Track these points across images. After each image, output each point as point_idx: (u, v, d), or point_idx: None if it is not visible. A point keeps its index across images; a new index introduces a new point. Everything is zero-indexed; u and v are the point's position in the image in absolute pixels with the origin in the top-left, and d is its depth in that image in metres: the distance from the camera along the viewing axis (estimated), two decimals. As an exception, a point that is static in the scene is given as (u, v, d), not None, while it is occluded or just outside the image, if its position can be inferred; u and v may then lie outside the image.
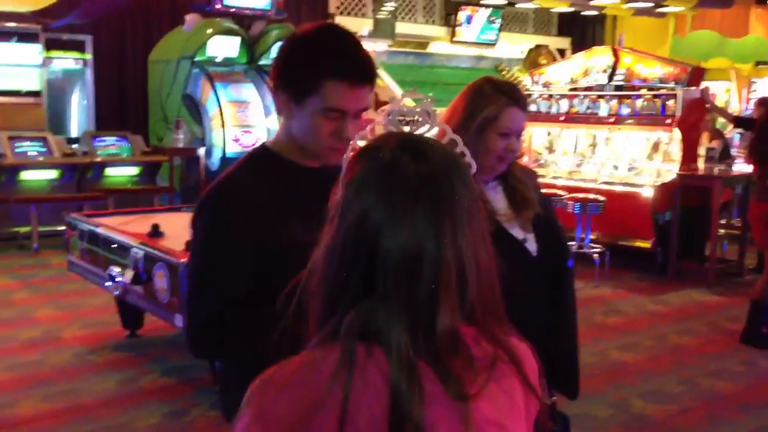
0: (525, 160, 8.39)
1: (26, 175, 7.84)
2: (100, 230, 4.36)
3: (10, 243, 7.65)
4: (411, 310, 0.86)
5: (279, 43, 8.98)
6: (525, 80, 10.47)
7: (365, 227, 0.88)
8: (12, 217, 7.64)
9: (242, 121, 8.52)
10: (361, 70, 1.55)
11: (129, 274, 3.85)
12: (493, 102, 1.93)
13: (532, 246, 2.01)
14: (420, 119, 1.04)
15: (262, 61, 8.84)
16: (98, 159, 8.08)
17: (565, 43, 14.13)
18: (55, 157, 7.99)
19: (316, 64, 1.52)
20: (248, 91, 8.60)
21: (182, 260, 3.40)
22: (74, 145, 8.41)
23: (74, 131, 9.38)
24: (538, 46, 14.01)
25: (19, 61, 8.17)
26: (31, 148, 7.91)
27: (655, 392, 4.28)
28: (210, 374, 3.98)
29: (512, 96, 1.95)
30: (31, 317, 5.41)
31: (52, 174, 8.01)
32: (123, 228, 4.30)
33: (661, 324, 5.60)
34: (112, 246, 4.16)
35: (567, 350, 2.12)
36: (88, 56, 9.21)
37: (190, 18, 8.34)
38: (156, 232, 4.07)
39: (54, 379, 4.23)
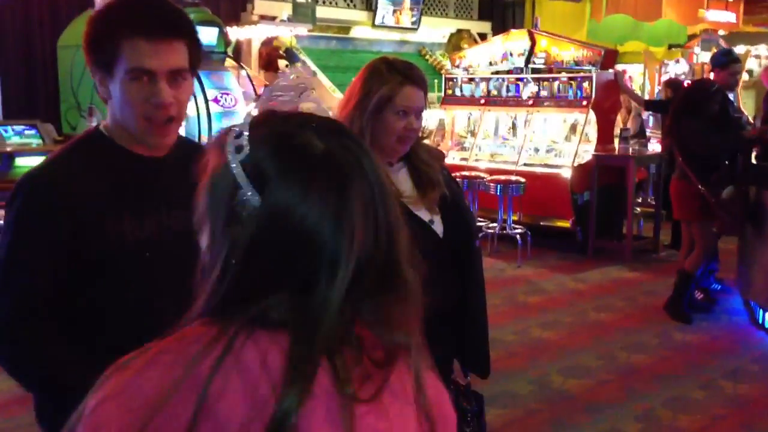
0: (449, 143, 8.45)
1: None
2: None
3: None
4: (315, 298, 0.79)
5: (196, 27, 8.71)
6: (446, 64, 10.51)
7: (283, 216, 0.80)
8: None
9: (159, 107, 8.27)
10: (160, 23, 1.44)
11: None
12: (388, 81, 1.91)
13: (438, 227, 2.00)
14: (294, 95, 0.96)
15: (178, 46, 8.58)
16: (8, 149, 7.70)
17: (485, 27, 14.24)
18: (-42, 146, 7.57)
19: (113, 26, 1.43)
20: (164, 76, 8.35)
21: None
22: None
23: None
24: (459, 31, 14.09)
25: None
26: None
27: (574, 367, 4.37)
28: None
29: (408, 75, 1.94)
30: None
31: (-45, 166, 7.59)
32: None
33: (581, 301, 5.72)
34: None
35: (476, 330, 2.12)
36: (-9, 42, 8.75)
37: (100, 1, 8.02)
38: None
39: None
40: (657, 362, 4.51)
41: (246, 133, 0.83)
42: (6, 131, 8.05)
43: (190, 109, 8.53)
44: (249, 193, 0.80)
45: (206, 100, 7.97)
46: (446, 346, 2.06)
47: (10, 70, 9.02)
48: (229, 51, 9.23)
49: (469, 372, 2.17)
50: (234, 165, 0.82)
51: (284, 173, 0.80)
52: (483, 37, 13.54)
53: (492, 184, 6.81)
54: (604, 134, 7.44)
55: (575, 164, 7.22)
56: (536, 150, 7.75)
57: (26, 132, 8.09)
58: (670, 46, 13.77)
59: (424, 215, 1.98)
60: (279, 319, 0.79)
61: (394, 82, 1.91)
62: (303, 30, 10.44)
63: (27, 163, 7.93)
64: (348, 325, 0.81)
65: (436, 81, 9.68)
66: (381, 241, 0.84)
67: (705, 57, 13.50)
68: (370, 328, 0.83)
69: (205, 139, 8.15)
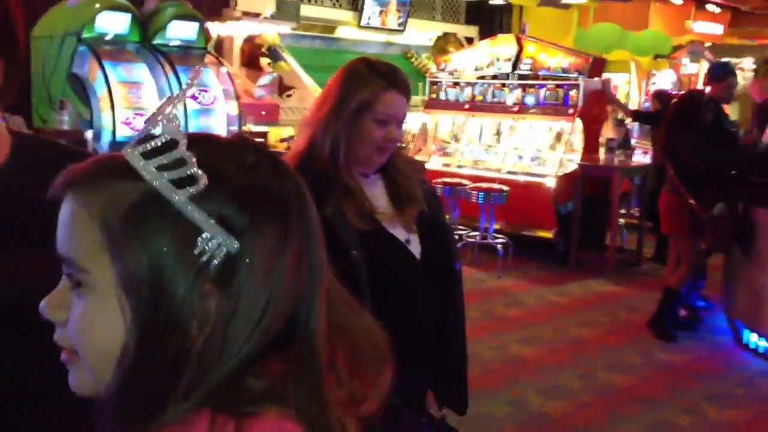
0: (432, 148, 8.28)
1: None
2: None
3: None
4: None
5: (175, 22, 8.40)
6: (432, 67, 10.34)
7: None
8: None
9: (134, 103, 8.00)
10: None
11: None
12: (369, 84, 1.72)
13: (415, 247, 1.81)
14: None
15: (156, 41, 8.34)
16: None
17: (473, 31, 14.11)
18: None
19: None
20: (140, 71, 8.08)
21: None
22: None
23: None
24: (446, 34, 13.94)
25: None
26: None
27: (553, 387, 4.20)
28: None
29: (391, 79, 1.75)
30: None
31: None
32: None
33: (561, 315, 5.56)
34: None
35: (453, 361, 1.94)
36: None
37: (75, -9, 7.77)
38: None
39: None
40: (640, 384, 4.35)
41: (192, 163, 0.63)
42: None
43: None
44: (219, 242, 0.62)
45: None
46: (420, 375, 1.87)
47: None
48: (210, 47, 9.02)
49: (443, 405, 1.99)
50: (184, 203, 0.62)
51: (258, 223, 0.64)
52: (470, 41, 13.40)
53: (474, 192, 6.64)
54: (590, 144, 7.30)
55: (559, 173, 7.07)
56: (520, 158, 7.59)
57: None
58: (656, 56, 13.72)
59: (400, 234, 1.79)
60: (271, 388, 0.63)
61: (375, 86, 1.73)
62: (287, 28, 10.26)
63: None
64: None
65: (420, 84, 9.52)
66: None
67: (693, 68, 13.47)
68: None
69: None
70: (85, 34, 8.00)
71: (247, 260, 0.62)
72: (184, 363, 0.61)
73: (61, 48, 8.02)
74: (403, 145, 1.94)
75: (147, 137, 0.65)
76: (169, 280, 0.61)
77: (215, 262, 0.62)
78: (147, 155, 0.63)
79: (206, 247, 0.62)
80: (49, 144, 1.26)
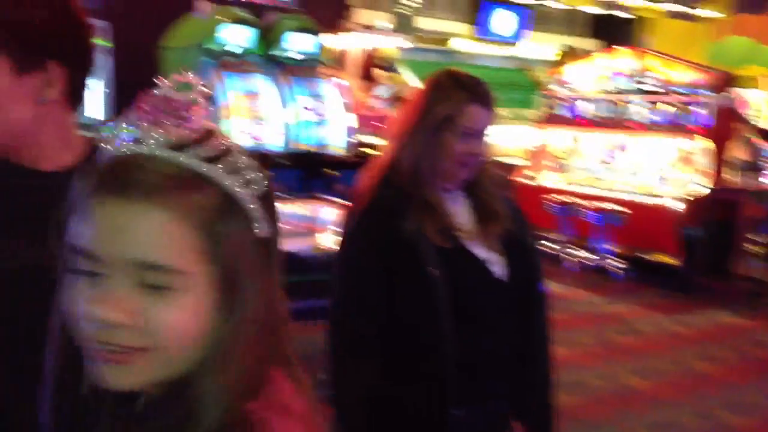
0: (546, 164, 8.05)
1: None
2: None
3: None
4: None
5: (293, 34, 8.61)
6: (548, 82, 10.09)
7: None
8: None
9: (254, 113, 8.25)
10: None
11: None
12: (451, 97, 1.68)
13: (497, 266, 1.72)
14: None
15: (276, 52, 8.57)
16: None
17: (595, 45, 13.69)
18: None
19: None
20: (260, 82, 8.32)
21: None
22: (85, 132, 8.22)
23: (89, 119, 9.20)
24: (566, 48, 13.60)
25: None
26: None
27: (666, 424, 3.93)
28: None
29: (474, 91, 1.69)
30: None
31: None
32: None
33: (680, 347, 5.23)
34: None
35: (537, 388, 1.81)
36: (109, 43, 9.00)
37: (202, 5, 8.10)
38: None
39: None
40: (762, 427, 4.00)
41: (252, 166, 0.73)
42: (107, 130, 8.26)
43: (279, 116, 8.50)
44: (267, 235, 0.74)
45: (299, 108, 7.90)
46: (503, 402, 1.77)
47: (123, 70, 9.24)
48: (326, 59, 9.16)
49: None
50: (252, 201, 0.72)
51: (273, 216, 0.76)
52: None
53: (590, 211, 6.37)
54: (718, 165, 6.86)
55: (684, 195, 6.67)
56: (640, 177, 7.23)
57: (129, 131, 8.26)
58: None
59: (481, 252, 1.72)
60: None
61: (457, 99, 1.68)
62: (402, 41, 10.29)
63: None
64: None
65: (535, 99, 9.30)
66: None
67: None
68: None
69: (297, 146, 8.09)
70: (209, 46, 8.33)
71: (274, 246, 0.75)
72: (269, 335, 0.73)
73: (187, 59, 8.37)
74: (490, 159, 1.86)
75: (194, 140, 0.70)
76: (251, 270, 0.71)
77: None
78: (210, 160, 0.70)
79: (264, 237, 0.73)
80: None
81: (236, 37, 8.45)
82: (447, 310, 1.62)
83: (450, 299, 1.63)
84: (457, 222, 1.70)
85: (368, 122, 8.79)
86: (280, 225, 0.75)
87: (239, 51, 8.53)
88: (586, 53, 13.36)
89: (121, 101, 9.05)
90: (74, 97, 1.18)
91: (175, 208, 0.68)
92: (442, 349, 1.63)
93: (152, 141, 0.69)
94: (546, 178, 7.71)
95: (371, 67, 10.10)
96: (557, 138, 8.17)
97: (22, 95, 1.10)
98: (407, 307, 1.67)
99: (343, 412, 1.65)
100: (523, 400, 1.80)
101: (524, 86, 12.14)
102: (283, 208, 3.54)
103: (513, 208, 1.82)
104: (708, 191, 6.52)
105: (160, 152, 0.69)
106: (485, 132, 1.72)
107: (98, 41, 8.82)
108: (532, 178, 7.96)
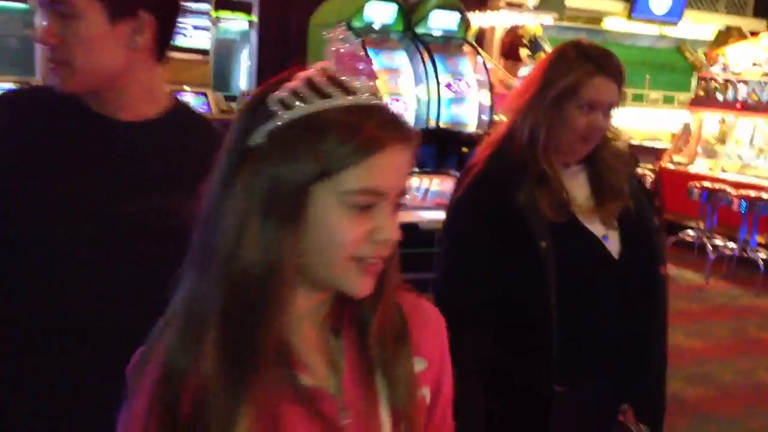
0: (699, 150, 7.65)
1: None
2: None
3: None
4: None
5: (437, 11, 8.68)
6: (706, 63, 9.53)
7: None
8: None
9: (392, 89, 8.39)
10: None
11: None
12: (575, 68, 1.61)
13: (614, 245, 1.67)
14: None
15: (419, 30, 8.65)
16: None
17: (761, 25, 12.74)
18: (212, 113, 8.27)
19: None
20: (401, 58, 8.44)
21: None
22: (232, 103, 8.69)
23: (237, 91, 9.71)
24: (728, 28, 12.73)
25: (190, 20, 8.52)
26: (192, 102, 8.25)
27: (802, 425, 3.69)
28: None
29: (600, 62, 1.62)
30: None
31: (207, 129, 8.31)
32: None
33: (828, 347, 4.86)
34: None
35: (648, 374, 1.75)
36: (254, 18, 9.45)
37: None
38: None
39: None
40: None
41: None
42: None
43: (422, 93, 8.59)
44: None
45: (438, 85, 7.95)
46: (610, 384, 1.72)
47: (268, 45, 9.68)
48: (470, 37, 9.13)
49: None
50: None
51: None
52: (755, 36, 12.14)
53: (736, 200, 6.02)
54: None
55: None
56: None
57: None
58: None
59: (597, 229, 1.67)
60: None
61: (583, 70, 1.61)
62: (550, 19, 10.04)
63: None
64: None
65: (691, 81, 8.83)
66: None
67: None
68: None
69: (433, 123, 8.16)
70: (355, 23, 8.54)
71: None
72: None
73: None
74: (613, 136, 1.78)
75: None
76: None
77: None
78: None
79: None
80: (203, 120, 1.43)
81: (381, 14, 8.62)
82: (554, 284, 1.59)
83: (558, 273, 1.59)
84: (573, 197, 1.65)
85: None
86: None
87: (382, 28, 8.71)
88: (748, 34, 12.49)
89: (264, 76, 9.49)
90: (161, 47, 1.26)
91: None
92: (548, 322, 1.60)
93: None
94: (695, 164, 7.34)
95: (517, 46, 9.96)
96: (710, 122, 7.74)
97: (114, 41, 1.18)
98: (515, 280, 1.63)
99: (458, 383, 1.62)
100: (633, 384, 1.74)
101: (681, 68, 11.53)
102: (416, 182, 3.64)
103: (638, 188, 1.76)
104: None
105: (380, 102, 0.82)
106: (611, 107, 1.64)
107: (245, 16, 9.22)
108: (680, 164, 7.60)
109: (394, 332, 0.87)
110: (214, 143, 0.83)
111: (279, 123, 0.78)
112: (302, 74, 0.81)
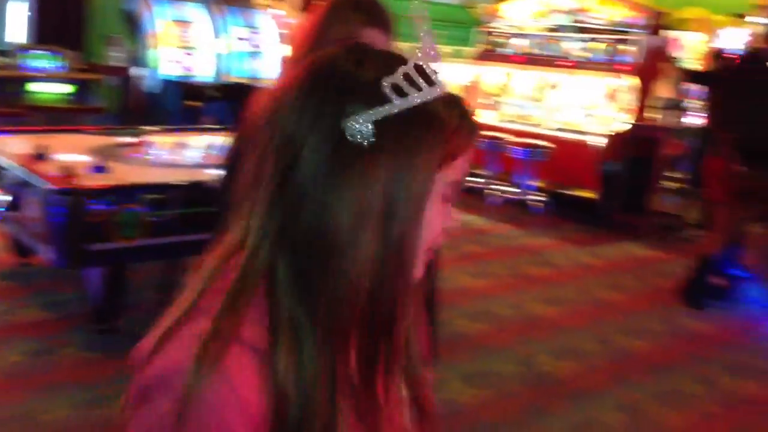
0: (479, 102, 8.11)
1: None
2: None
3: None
4: None
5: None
6: (487, 18, 10.06)
7: None
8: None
9: (185, 41, 8.08)
10: None
11: (5, 199, 3.56)
12: (347, 20, 1.63)
13: None
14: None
15: (209, -20, 8.35)
16: (23, 73, 7.64)
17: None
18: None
19: None
20: (192, 10, 8.14)
21: (50, 186, 3.12)
22: (3, 58, 7.95)
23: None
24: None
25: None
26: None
27: (566, 349, 4.13)
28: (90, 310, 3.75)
29: (372, 13, 1.65)
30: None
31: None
32: (9, 149, 3.97)
33: (589, 277, 5.45)
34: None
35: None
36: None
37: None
38: (41, 155, 3.75)
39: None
40: (656, 350, 4.25)
41: None
42: (32, 54, 7.98)
43: (211, 46, 8.35)
44: None
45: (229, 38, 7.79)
46: None
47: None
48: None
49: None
50: None
51: None
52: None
53: (514, 147, 6.50)
54: (642, 103, 7.03)
55: (608, 132, 6.84)
56: (567, 115, 7.37)
57: (51, 58, 8.03)
58: (737, 15, 12.99)
59: None
60: None
61: (355, 22, 1.63)
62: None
63: (46, 89, 7.90)
64: None
65: (473, 35, 9.28)
66: None
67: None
68: None
69: (228, 77, 7.99)
70: (138, -28, 8.08)
71: None
72: None
73: (113, -16, 8.13)
74: None
75: None
76: None
77: None
78: None
79: None
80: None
81: (167, -38, 8.20)
82: None
83: None
84: None
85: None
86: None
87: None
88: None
89: (43, 25, 8.77)
90: None
91: None
92: None
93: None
94: (478, 115, 7.79)
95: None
96: (491, 75, 8.23)
97: None
98: None
99: None
100: None
101: (466, 23, 12.07)
102: (214, 140, 3.55)
103: None
104: (629, 128, 6.69)
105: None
106: None
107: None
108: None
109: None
110: None
111: (395, 110, 0.71)
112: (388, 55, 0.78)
